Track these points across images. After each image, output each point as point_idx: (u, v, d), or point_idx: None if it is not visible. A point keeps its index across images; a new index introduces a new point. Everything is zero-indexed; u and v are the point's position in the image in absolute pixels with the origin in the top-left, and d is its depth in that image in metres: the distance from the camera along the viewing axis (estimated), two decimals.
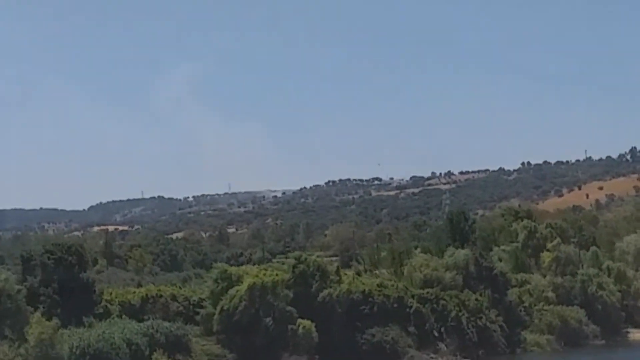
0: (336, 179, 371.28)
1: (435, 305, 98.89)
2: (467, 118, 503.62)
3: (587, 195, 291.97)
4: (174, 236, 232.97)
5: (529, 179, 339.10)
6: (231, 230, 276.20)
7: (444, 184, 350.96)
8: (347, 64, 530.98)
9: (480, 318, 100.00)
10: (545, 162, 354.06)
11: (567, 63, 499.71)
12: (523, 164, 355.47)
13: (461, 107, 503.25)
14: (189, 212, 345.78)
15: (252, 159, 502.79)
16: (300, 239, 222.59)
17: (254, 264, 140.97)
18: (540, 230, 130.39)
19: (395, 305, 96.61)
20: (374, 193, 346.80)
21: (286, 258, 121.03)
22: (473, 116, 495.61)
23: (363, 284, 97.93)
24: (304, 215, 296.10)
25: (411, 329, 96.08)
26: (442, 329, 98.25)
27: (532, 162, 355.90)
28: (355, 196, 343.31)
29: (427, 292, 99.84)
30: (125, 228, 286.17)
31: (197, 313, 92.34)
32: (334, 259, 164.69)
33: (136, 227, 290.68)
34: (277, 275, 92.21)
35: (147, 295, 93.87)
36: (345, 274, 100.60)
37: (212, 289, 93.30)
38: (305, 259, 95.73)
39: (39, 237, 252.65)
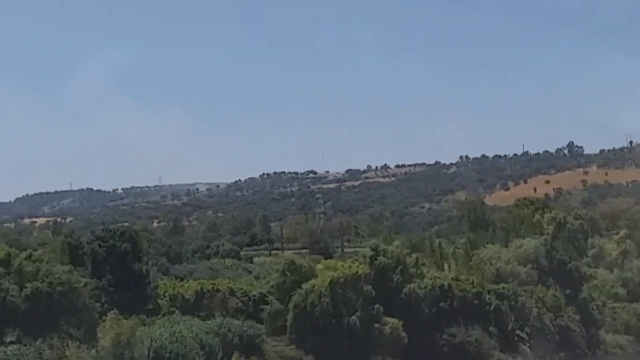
0: (270, 171, 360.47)
1: (513, 303, 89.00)
2: (401, 111, 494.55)
3: (535, 189, 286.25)
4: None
5: (469, 173, 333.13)
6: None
7: (383, 177, 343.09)
8: (277, 53, 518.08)
9: (561, 317, 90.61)
10: (483, 155, 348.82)
11: (499, 55, 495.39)
12: (461, 157, 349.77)
13: (395, 99, 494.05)
14: (122, 205, 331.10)
15: (180, 151, 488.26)
16: (257, 231, 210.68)
17: (223, 257, 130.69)
18: (570, 221, 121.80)
19: (476, 302, 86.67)
20: (312, 186, 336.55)
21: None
22: (407, 109, 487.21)
23: (438, 278, 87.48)
24: (244, 208, 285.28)
25: (492, 329, 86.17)
26: (525, 329, 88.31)
27: (470, 156, 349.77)
28: (294, 189, 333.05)
29: (504, 288, 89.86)
30: (58, 219, 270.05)
31: (260, 310, 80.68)
32: (303, 251, 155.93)
33: (69, 219, 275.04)
34: (358, 267, 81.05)
35: (201, 289, 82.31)
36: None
37: (277, 282, 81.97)
38: (384, 250, 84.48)
39: None
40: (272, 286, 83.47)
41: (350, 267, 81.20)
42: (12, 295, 64.09)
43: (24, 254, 68.66)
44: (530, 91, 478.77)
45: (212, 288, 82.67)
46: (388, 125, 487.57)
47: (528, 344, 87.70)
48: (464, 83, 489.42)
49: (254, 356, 74.93)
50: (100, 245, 76.52)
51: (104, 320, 67.28)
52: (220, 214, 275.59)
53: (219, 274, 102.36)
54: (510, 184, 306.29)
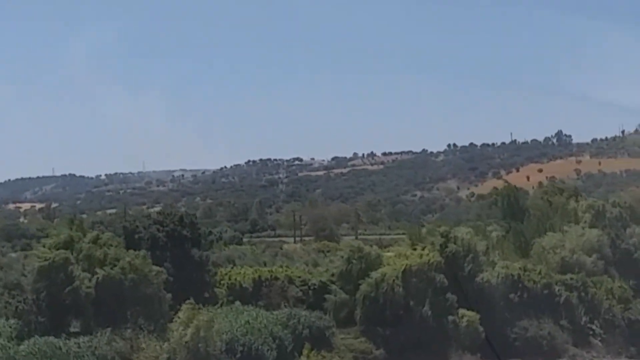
0: (255, 158, 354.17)
1: (583, 294, 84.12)
2: (386, 98, 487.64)
3: (528, 178, 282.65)
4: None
5: (457, 161, 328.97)
6: (157, 208, 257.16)
7: (370, 165, 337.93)
8: (264, 37, 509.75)
9: (630, 309, 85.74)
10: (471, 144, 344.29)
11: (487, 48, 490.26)
12: (449, 145, 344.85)
13: (379, 86, 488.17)
14: (107, 191, 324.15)
15: (162, 137, 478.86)
16: (256, 217, 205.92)
17: (226, 244, 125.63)
18: (608, 209, 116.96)
19: (545, 292, 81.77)
20: (299, 173, 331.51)
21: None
22: (391, 96, 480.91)
23: (507, 267, 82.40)
24: (233, 195, 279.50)
25: (563, 322, 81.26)
26: (595, 322, 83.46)
27: (458, 144, 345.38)
28: (281, 176, 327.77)
29: (572, 279, 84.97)
30: (42, 205, 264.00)
31: (322, 299, 75.21)
32: (306, 238, 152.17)
33: (54, 204, 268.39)
34: (429, 256, 75.86)
35: (259, 277, 76.85)
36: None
37: (341, 270, 76.57)
38: (455, 236, 79.24)
39: None
40: (332, 274, 78.03)
41: (421, 255, 75.97)
42: (87, 287, 58.18)
43: (88, 237, 62.68)
44: (518, 78, 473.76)
45: (270, 276, 77.30)
46: (373, 112, 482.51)
47: (599, 338, 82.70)
48: (447, 70, 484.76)
49: (324, 349, 69.85)
50: (159, 230, 70.62)
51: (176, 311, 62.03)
52: (209, 200, 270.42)
53: (258, 261, 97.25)
54: (503, 172, 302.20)
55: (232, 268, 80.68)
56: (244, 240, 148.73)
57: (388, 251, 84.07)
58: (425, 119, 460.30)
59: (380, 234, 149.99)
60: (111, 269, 59.73)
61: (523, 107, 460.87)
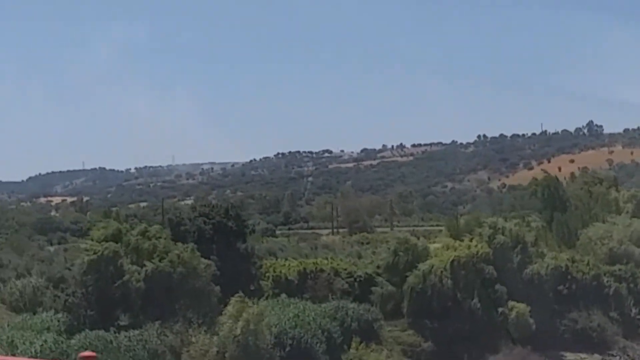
0: (285, 151, 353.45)
1: (632, 285, 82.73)
2: (416, 92, 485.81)
3: (560, 169, 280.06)
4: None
5: (487, 152, 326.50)
6: (189, 201, 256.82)
7: (400, 156, 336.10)
8: (289, 30, 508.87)
9: None
10: (501, 135, 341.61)
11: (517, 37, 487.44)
12: (479, 136, 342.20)
13: (408, 77, 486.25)
14: (137, 184, 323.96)
15: (192, 130, 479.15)
16: (289, 209, 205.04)
17: (262, 235, 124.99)
18: None
19: (594, 284, 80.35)
20: (329, 165, 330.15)
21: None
22: (422, 90, 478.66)
23: (555, 259, 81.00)
24: (263, 187, 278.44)
25: (612, 313, 79.85)
26: None
27: (488, 135, 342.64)
28: (310, 168, 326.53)
29: (621, 269, 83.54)
30: (74, 199, 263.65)
31: (368, 291, 73.92)
32: (340, 230, 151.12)
33: (85, 198, 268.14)
34: (477, 247, 74.61)
35: (304, 269, 75.59)
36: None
37: (387, 262, 75.26)
38: (503, 227, 77.93)
39: None
40: (378, 266, 76.82)
41: (469, 246, 74.75)
42: (137, 280, 57.20)
43: (137, 230, 61.72)
44: (547, 69, 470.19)
45: (315, 268, 76.07)
46: (401, 105, 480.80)
47: None
48: (475, 61, 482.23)
49: (372, 342, 68.64)
50: (205, 223, 69.53)
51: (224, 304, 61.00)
52: (239, 193, 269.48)
53: (300, 253, 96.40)
54: (534, 163, 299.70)
55: (276, 260, 79.40)
56: (277, 232, 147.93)
57: (433, 242, 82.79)
58: (454, 110, 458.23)
59: (414, 226, 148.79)
60: (159, 261, 58.56)
61: (552, 97, 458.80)
